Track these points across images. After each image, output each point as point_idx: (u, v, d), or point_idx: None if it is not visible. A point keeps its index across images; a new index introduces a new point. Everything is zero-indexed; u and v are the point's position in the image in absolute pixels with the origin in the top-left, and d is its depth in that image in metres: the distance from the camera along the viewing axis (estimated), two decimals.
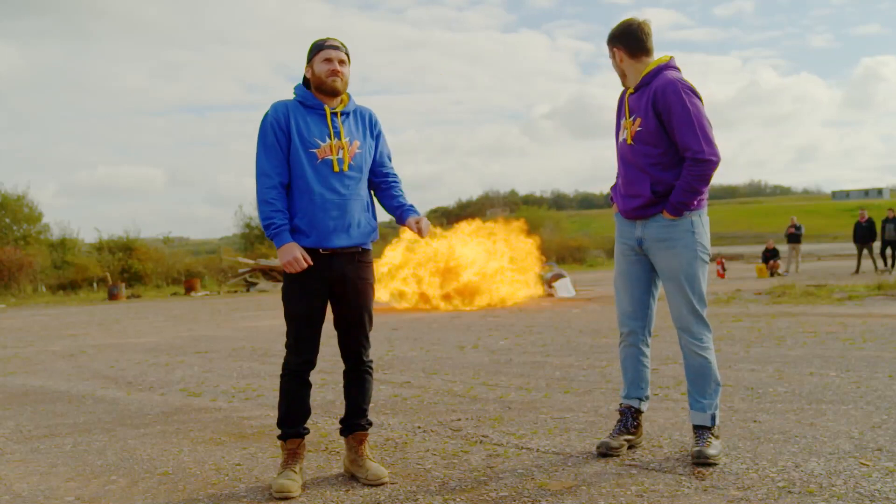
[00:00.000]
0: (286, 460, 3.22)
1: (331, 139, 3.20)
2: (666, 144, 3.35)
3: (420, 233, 3.24)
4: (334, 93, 3.23)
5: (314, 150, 3.17)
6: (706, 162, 3.26)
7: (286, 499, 3.04)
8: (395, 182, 3.40)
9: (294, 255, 3.08)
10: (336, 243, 3.19)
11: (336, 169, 3.19)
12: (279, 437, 3.26)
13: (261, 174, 3.15)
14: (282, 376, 3.27)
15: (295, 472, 3.18)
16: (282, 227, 3.11)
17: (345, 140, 3.23)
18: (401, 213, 3.36)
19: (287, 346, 3.25)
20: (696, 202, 3.37)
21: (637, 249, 3.51)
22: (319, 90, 3.23)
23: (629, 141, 3.44)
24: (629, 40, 3.44)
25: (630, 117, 3.44)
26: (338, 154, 3.20)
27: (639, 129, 3.39)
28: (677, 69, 3.44)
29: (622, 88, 3.60)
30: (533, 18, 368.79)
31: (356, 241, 3.25)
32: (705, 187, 3.32)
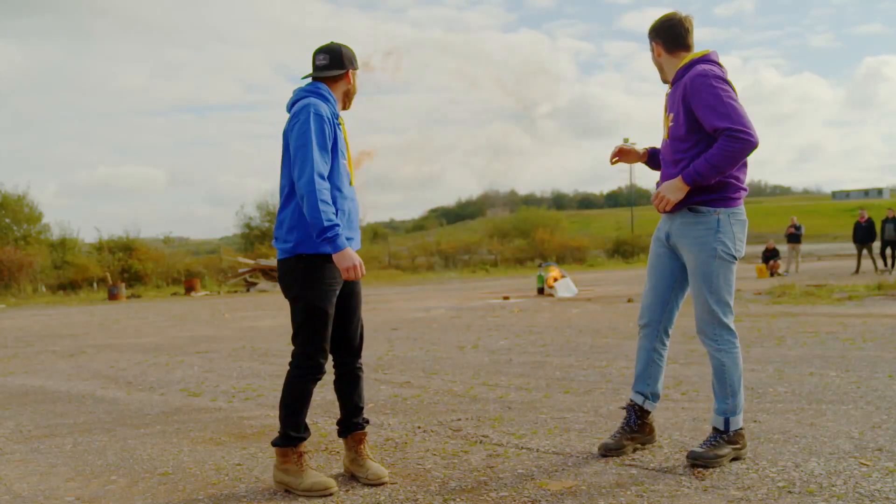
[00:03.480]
0: (301, 462, 3.18)
1: (347, 152, 3.30)
2: (694, 139, 3.27)
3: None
4: (347, 108, 3.39)
5: (344, 162, 3.25)
6: (742, 140, 3.09)
7: (329, 494, 3.08)
8: None
9: (355, 262, 3.07)
10: (355, 248, 3.26)
11: (352, 183, 3.30)
12: (287, 444, 3.18)
13: (317, 173, 3.04)
14: (306, 380, 3.18)
15: (314, 470, 3.21)
16: (342, 230, 3.08)
17: (350, 154, 3.33)
18: None
19: (315, 350, 3.16)
20: (718, 197, 3.27)
21: (666, 244, 3.48)
22: (346, 101, 3.35)
23: (665, 137, 3.43)
24: (668, 35, 3.40)
25: (667, 114, 3.41)
26: (351, 168, 3.32)
27: (671, 124, 3.37)
28: (715, 63, 3.33)
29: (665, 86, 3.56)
30: (533, 18, 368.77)
31: (359, 246, 3.34)
32: (730, 168, 3.17)
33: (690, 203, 3.31)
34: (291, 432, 3.19)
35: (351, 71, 3.29)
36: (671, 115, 3.37)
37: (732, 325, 3.34)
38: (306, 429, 3.24)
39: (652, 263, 3.56)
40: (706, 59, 3.34)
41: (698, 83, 3.20)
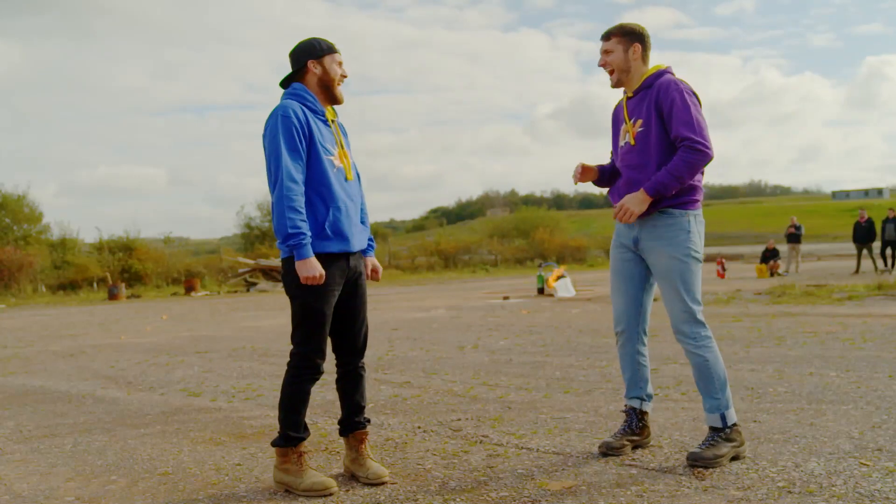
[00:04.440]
0: (301, 463, 3.18)
1: (338, 147, 3.25)
2: (664, 143, 3.39)
3: (373, 277, 3.43)
4: (338, 101, 3.29)
5: (331, 158, 3.19)
6: (701, 152, 3.28)
7: (329, 494, 3.08)
8: (363, 212, 3.43)
9: (319, 272, 3.06)
10: (356, 247, 3.25)
11: (348, 177, 3.26)
12: (287, 445, 3.18)
13: (288, 178, 3.04)
14: (303, 379, 3.18)
15: (315, 470, 3.21)
16: (308, 238, 3.07)
17: (345, 149, 3.30)
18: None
19: (312, 349, 3.16)
20: (689, 200, 3.39)
21: (632, 248, 3.53)
22: (326, 92, 3.25)
23: (632, 142, 3.47)
24: (645, 42, 3.51)
25: (631, 120, 3.48)
26: (345, 162, 3.26)
27: (640, 129, 3.43)
28: (675, 76, 3.51)
29: (620, 96, 3.64)
30: (533, 17, 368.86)
31: (363, 246, 3.34)
32: (690, 178, 3.32)
33: (661, 207, 3.40)
34: (290, 432, 3.19)
35: (310, 62, 3.21)
36: (638, 121, 3.45)
37: (705, 321, 3.44)
38: (306, 429, 3.24)
39: (619, 269, 3.59)
40: (670, 71, 3.50)
41: (672, 90, 3.35)
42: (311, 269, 3.05)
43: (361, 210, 3.40)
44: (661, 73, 3.46)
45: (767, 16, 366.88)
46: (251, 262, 27.42)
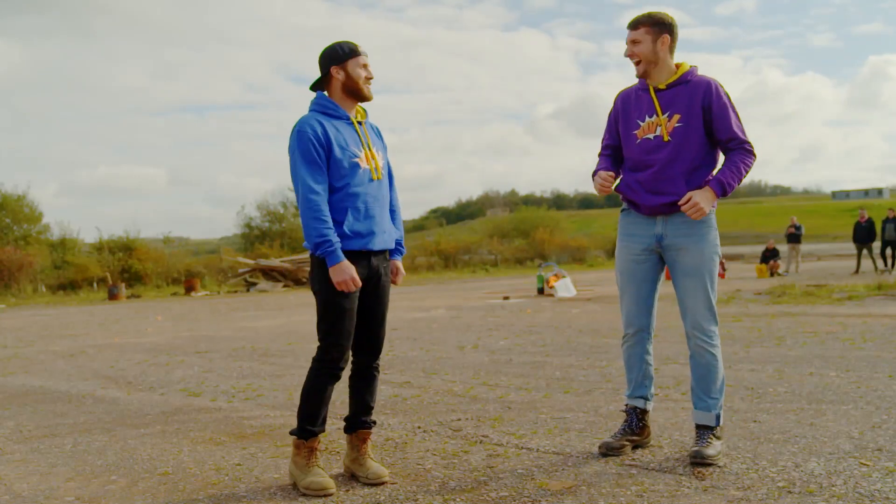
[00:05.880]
0: (309, 458, 3.20)
1: (364, 148, 3.27)
2: (703, 142, 3.38)
3: (393, 282, 3.46)
4: (366, 99, 3.31)
5: (356, 160, 3.22)
6: (754, 155, 3.41)
7: (326, 496, 3.08)
8: (393, 212, 3.46)
9: (350, 276, 3.11)
10: (379, 246, 3.27)
11: (374, 177, 3.27)
12: (301, 436, 3.22)
13: (309, 191, 3.12)
14: (320, 373, 3.23)
15: (321, 468, 3.21)
16: (336, 245, 3.11)
17: (373, 149, 3.31)
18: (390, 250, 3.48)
19: (331, 343, 3.20)
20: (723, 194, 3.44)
21: (653, 247, 3.47)
22: (352, 95, 3.27)
23: (666, 137, 3.37)
24: (673, 33, 3.44)
25: (664, 114, 3.39)
26: (371, 163, 3.28)
27: (678, 125, 3.36)
28: None
29: (630, 86, 3.57)
30: (533, 17, 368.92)
31: (388, 245, 3.36)
32: (746, 176, 3.40)
33: (710, 184, 3.39)
34: (306, 425, 3.23)
35: (333, 68, 3.24)
36: (675, 116, 3.36)
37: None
38: (322, 423, 3.26)
39: (631, 271, 3.53)
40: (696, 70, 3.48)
41: (721, 92, 3.38)
42: (342, 273, 3.11)
43: (392, 210, 3.43)
44: (693, 71, 3.43)
45: (767, 16, 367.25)
46: (251, 262, 27.41)
